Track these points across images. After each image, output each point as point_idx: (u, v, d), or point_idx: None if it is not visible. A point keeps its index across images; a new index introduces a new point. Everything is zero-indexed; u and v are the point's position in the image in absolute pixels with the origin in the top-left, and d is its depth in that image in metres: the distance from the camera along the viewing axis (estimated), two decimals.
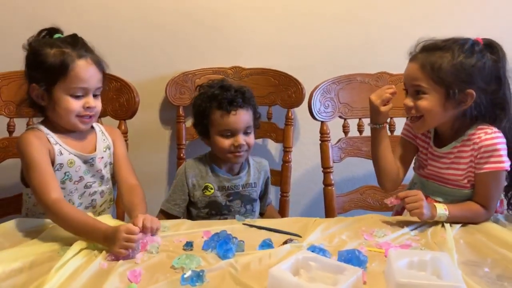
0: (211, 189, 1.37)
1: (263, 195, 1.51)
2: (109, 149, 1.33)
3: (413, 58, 1.23)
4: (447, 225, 1.18)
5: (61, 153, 1.22)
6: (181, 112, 1.71)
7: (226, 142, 1.33)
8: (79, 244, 1.03)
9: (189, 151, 1.73)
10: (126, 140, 1.52)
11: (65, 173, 1.23)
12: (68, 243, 1.03)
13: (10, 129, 1.51)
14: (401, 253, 0.94)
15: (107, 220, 1.14)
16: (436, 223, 1.20)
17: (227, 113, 1.31)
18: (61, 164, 1.22)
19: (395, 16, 1.78)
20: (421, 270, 0.90)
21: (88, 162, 1.27)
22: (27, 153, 1.17)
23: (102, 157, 1.30)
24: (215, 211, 1.39)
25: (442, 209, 1.18)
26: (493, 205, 1.24)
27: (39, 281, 0.88)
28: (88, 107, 1.21)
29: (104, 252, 1.00)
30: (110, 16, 1.69)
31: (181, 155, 1.72)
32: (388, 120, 1.66)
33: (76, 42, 1.20)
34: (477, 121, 1.22)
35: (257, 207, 1.46)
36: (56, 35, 1.22)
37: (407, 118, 1.34)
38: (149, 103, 1.75)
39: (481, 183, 1.22)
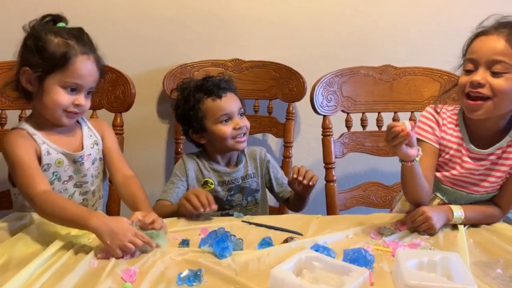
0: (211, 184, 1.35)
1: (275, 179, 1.43)
2: (97, 144, 1.27)
3: (493, 31, 1.08)
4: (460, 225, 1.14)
5: (48, 153, 1.16)
6: None
7: (226, 128, 1.31)
8: (58, 243, 0.99)
9: (186, 146, 1.68)
10: (121, 134, 1.49)
11: (53, 173, 1.18)
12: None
13: (2, 121, 1.46)
14: (409, 253, 0.90)
15: None
16: None
17: (219, 98, 1.31)
18: (48, 164, 1.16)
19: (397, 8, 1.73)
20: (431, 271, 0.86)
21: (78, 161, 1.22)
22: (11, 152, 1.12)
23: (90, 154, 1.25)
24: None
25: (458, 212, 1.14)
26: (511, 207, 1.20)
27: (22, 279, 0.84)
28: (77, 105, 1.16)
29: (94, 250, 0.96)
30: (107, 6, 1.64)
31: (179, 149, 1.67)
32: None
33: (81, 37, 1.16)
34: None
35: (259, 197, 1.42)
36: (60, 24, 1.17)
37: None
38: (146, 96, 1.70)
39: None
